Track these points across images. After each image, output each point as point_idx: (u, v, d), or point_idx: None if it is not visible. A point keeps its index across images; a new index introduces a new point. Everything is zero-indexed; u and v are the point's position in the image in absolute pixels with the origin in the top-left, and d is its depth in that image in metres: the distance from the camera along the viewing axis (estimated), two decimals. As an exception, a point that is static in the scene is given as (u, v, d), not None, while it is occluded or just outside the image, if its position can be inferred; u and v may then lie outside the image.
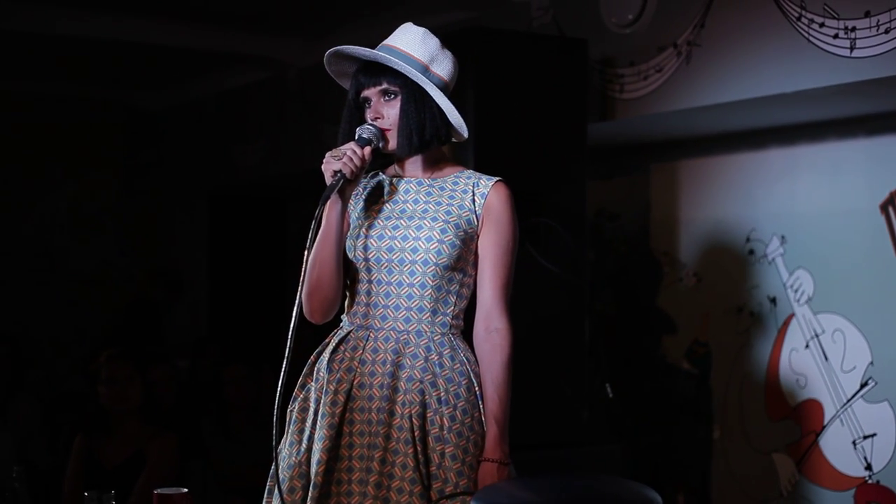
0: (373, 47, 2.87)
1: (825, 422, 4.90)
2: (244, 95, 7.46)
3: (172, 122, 8.26)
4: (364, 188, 2.93)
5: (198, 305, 8.33)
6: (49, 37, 6.40)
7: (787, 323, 5.08)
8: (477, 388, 2.80)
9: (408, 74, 2.78)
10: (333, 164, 2.76)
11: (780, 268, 5.11)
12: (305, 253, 2.72)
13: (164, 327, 8.16)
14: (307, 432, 2.81)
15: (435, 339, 2.80)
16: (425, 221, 2.80)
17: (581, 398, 4.49)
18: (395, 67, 2.78)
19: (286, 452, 2.86)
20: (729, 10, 4.45)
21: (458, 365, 2.80)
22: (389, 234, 2.81)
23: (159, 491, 2.89)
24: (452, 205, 2.83)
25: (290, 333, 2.65)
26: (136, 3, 6.07)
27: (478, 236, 2.84)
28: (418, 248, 2.78)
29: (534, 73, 4.47)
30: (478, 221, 2.83)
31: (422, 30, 2.86)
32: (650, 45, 4.73)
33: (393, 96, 2.82)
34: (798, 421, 5.02)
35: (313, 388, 2.85)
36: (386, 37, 2.89)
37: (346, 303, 2.89)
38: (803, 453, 4.98)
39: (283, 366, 2.65)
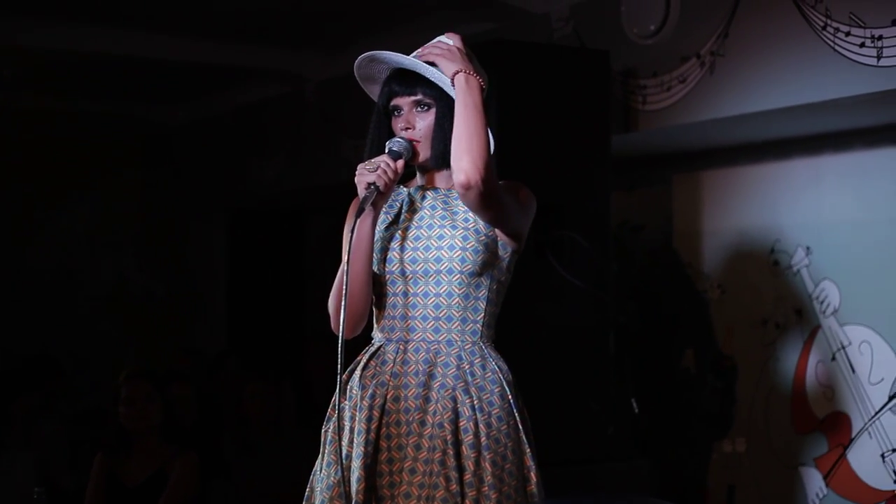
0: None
1: (853, 434, 4.85)
2: (262, 110, 7.45)
3: (190, 137, 8.25)
4: (387, 201, 2.89)
5: (217, 320, 8.29)
6: (65, 52, 6.41)
7: (813, 335, 5.03)
8: (510, 397, 2.76)
9: (445, 88, 2.75)
10: (367, 175, 2.72)
11: (805, 279, 5.06)
12: (346, 267, 2.69)
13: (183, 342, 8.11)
14: (344, 451, 2.77)
15: (466, 347, 2.77)
16: (445, 230, 2.77)
17: (607, 413, 4.45)
18: (434, 80, 2.75)
19: (323, 473, 2.81)
20: (753, 20, 4.42)
21: (490, 374, 2.77)
22: (412, 245, 2.79)
23: None
24: (469, 210, 2.79)
25: (339, 349, 2.64)
26: (151, 19, 6.06)
27: (499, 237, 2.80)
28: (442, 258, 2.75)
29: (555, 85, 4.44)
30: None
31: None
32: (673, 56, 4.70)
33: (426, 108, 2.79)
34: (825, 434, 4.97)
35: (347, 407, 2.82)
36: (406, 50, 2.85)
37: (374, 317, 2.87)
38: (831, 467, 4.93)
39: (338, 382, 2.67)
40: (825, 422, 4.97)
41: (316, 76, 6.83)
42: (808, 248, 5.07)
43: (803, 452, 5.05)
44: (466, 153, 2.63)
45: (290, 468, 5.12)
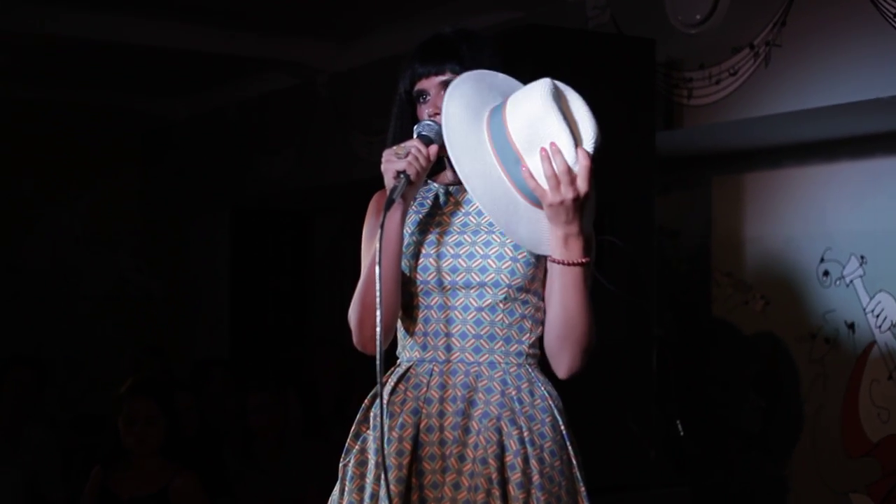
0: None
1: (910, 460, 4.66)
2: (270, 103, 7.29)
3: (194, 131, 8.11)
4: (415, 198, 2.54)
5: (219, 325, 8.08)
6: (61, 39, 6.23)
7: (867, 351, 4.80)
8: (563, 427, 2.44)
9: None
10: (396, 162, 2.38)
11: (859, 291, 4.83)
12: (377, 269, 2.32)
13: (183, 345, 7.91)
14: (369, 490, 2.43)
15: (511, 370, 2.43)
16: (494, 236, 2.43)
17: (648, 436, 4.18)
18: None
19: None
20: (814, 6, 4.17)
21: (539, 400, 2.43)
22: (451, 251, 2.44)
23: None
24: None
25: (377, 367, 2.30)
26: (151, 5, 5.87)
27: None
28: (488, 268, 2.40)
29: (594, 75, 4.11)
30: None
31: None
32: (723, 46, 4.45)
33: None
34: (879, 458, 4.75)
35: (371, 438, 2.47)
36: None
37: (401, 334, 2.52)
38: (885, 494, 4.70)
39: (381, 407, 2.34)
40: (880, 446, 4.75)
41: (327, 67, 6.59)
42: (862, 257, 4.82)
43: (855, 478, 4.82)
44: (568, 346, 2.41)
45: (296, 482, 4.97)
